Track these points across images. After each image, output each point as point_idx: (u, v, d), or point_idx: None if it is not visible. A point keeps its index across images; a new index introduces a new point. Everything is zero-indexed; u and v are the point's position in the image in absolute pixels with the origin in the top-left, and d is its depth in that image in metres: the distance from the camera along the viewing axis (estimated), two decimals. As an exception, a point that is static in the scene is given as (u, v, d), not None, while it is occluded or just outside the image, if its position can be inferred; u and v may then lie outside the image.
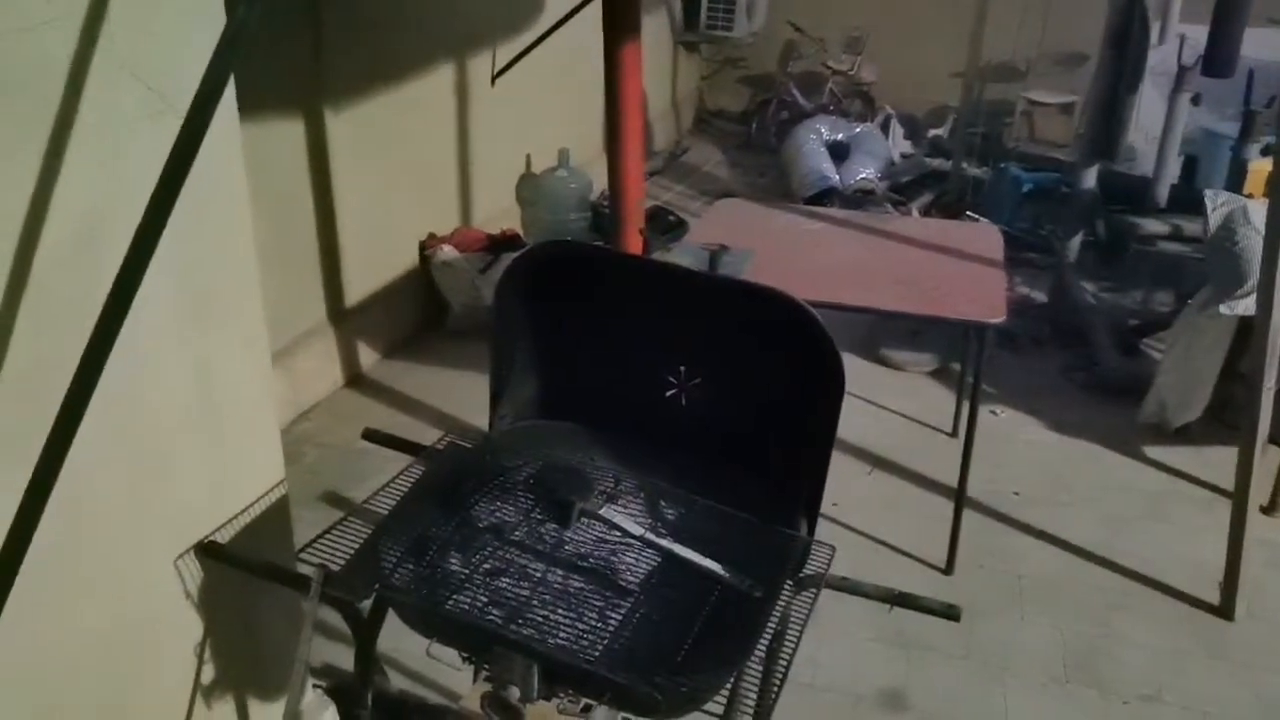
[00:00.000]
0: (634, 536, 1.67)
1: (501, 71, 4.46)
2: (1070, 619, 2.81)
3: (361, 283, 4.03)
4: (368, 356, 4.05)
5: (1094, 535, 3.15)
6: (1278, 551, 3.08)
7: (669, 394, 1.91)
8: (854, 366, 4.21)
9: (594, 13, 5.46)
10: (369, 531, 1.73)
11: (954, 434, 3.72)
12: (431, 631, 1.60)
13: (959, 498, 2.93)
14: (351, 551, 1.68)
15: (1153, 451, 3.64)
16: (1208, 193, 3.36)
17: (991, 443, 3.57)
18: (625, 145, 2.69)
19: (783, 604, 1.62)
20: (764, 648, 1.55)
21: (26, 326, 1.36)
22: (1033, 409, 3.90)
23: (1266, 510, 3.24)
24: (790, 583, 1.67)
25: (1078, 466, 3.56)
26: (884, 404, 3.90)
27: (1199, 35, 4.43)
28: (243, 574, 1.74)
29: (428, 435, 3.55)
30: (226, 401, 1.77)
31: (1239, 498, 2.75)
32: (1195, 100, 4.69)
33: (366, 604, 1.70)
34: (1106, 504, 3.33)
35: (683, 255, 2.91)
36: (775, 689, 1.54)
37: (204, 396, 1.71)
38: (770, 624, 1.58)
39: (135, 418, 1.57)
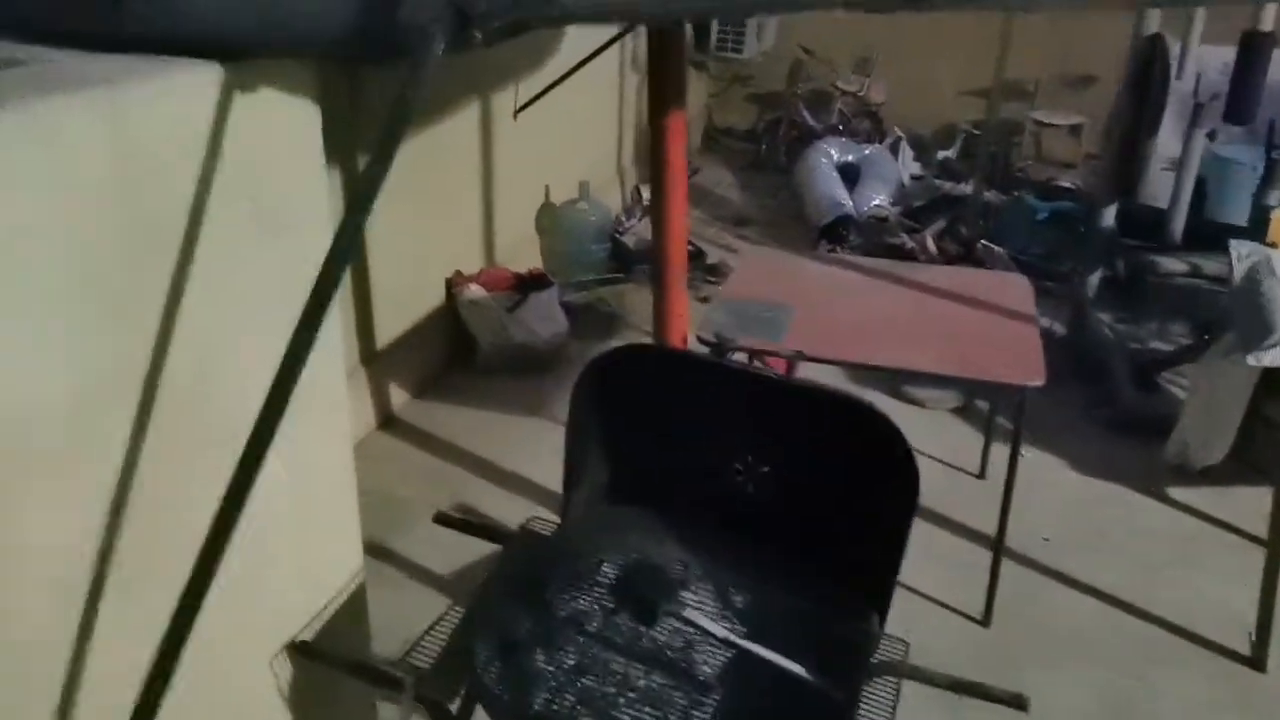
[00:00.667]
0: (717, 638, 1.72)
1: (524, 106, 4.50)
2: (1106, 671, 2.87)
3: (392, 323, 4.06)
4: (399, 397, 4.09)
5: (1126, 582, 3.21)
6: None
7: (737, 483, 1.95)
8: (876, 403, 4.25)
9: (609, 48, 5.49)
10: (454, 628, 1.77)
11: (981, 475, 3.77)
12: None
13: (997, 548, 2.99)
14: (439, 650, 1.73)
15: (1177, 493, 3.70)
16: (1232, 243, 3.42)
17: (1018, 485, 3.62)
18: (671, 213, 2.73)
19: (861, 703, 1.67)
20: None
21: (148, 467, 1.40)
22: (1056, 448, 3.95)
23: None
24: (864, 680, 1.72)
25: (1105, 510, 3.62)
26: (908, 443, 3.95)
27: (1217, 57, 4.44)
28: (325, 673, 1.78)
29: (464, 480, 3.65)
30: (314, 494, 1.81)
31: (1273, 548, 2.81)
32: (1211, 136, 4.75)
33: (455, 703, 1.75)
34: (1136, 550, 3.39)
35: (721, 313, 2.95)
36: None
37: (296, 490, 1.74)
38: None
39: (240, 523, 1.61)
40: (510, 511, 3.36)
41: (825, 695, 1.62)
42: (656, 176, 2.69)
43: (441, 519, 2.02)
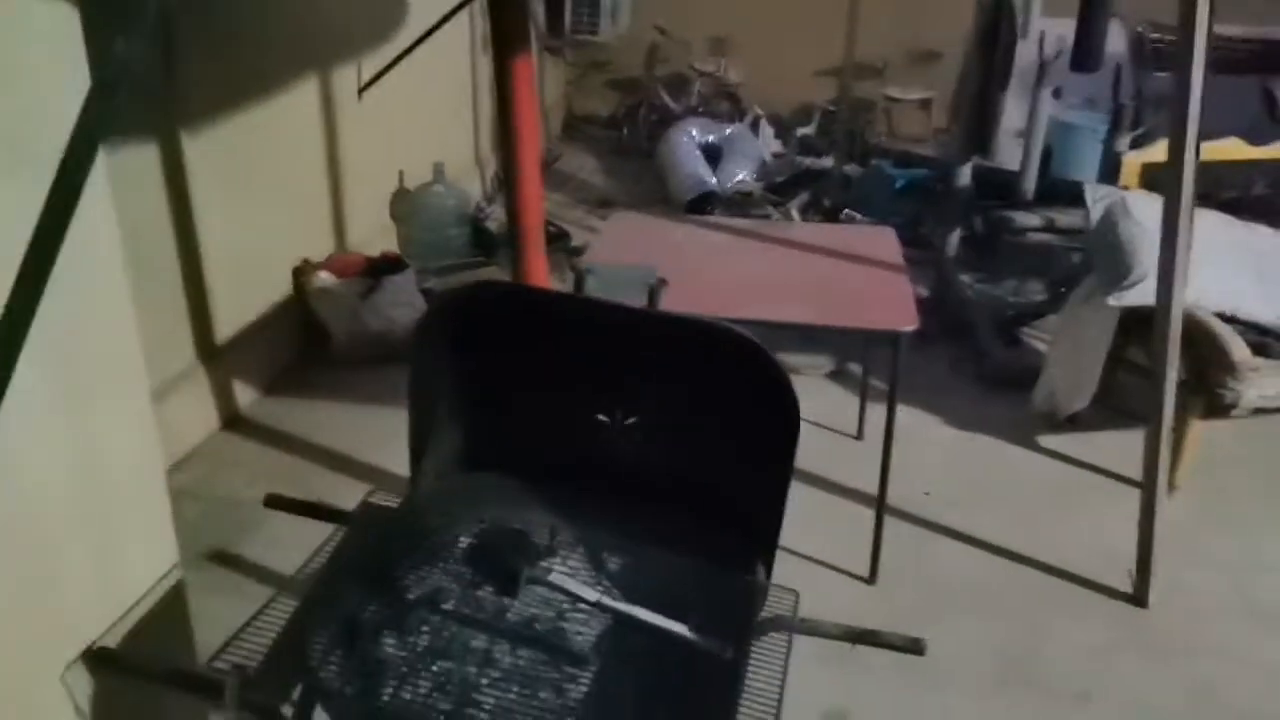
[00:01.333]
0: (588, 603, 1.55)
1: (368, 84, 4.24)
2: (995, 621, 2.83)
3: (233, 316, 3.74)
4: (245, 395, 3.77)
5: (1007, 532, 3.19)
6: (1178, 532, 3.18)
7: (602, 437, 1.80)
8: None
9: (459, 23, 5.27)
10: (286, 620, 1.55)
11: (859, 436, 3.72)
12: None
13: (879, 506, 2.92)
14: (268, 646, 1.51)
15: (1048, 441, 3.72)
16: (1087, 187, 3.46)
17: (895, 443, 3.58)
18: (522, 162, 2.55)
19: (746, 659, 1.53)
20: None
21: None
22: (930, 406, 3.94)
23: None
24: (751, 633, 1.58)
25: (981, 462, 3.61)
26: (787, 410, 3.87)
27: (1057, 30, 4.58)
28: (138, 685, 1.53)
29: (321, 478, 3.36)
30: (111, 484, 1.55)
31: (1148, 487, 2.82)
32: (1057, 94, 4.85)
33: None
34: (1014, 499, 3.39)
35: (587, 277, 2.79)
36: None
37: (87, 481, 1.49)
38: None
39: (12, 514, 1.35)
40: (371, 506, 3.12)
41: (711, 655, 1.46)
42: (505, 125, 2.51)
43: (271, 501, 1.78)
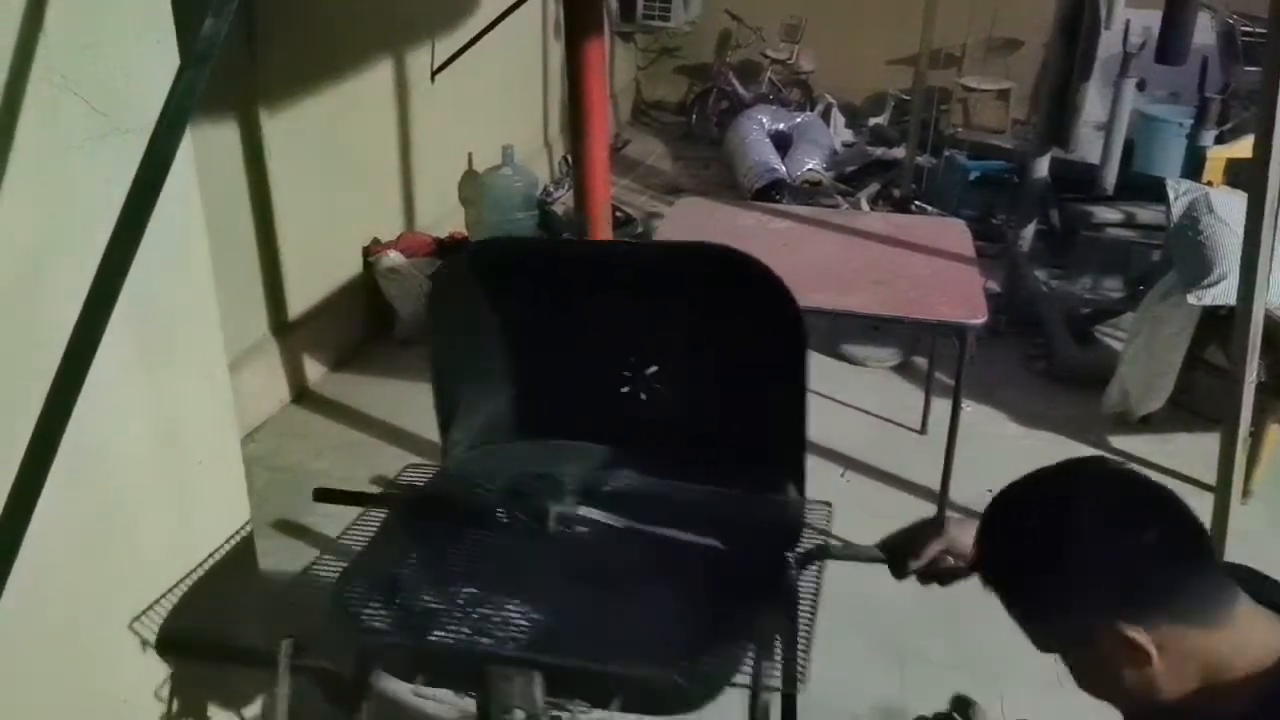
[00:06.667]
0: (619, 527, 1.54)
1: (442, 67, 4.30)
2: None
3: (305, 293, 3.83)
4: (314, 370, 3.86)
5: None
6: (1250, 541, 3.08)
7: (626, 391, 1.79)
8: (815, 364, 4.11)
9: (531, 8, 5.30)
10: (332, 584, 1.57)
11: (923, 431, 3.67)
12: (417, 674, 1.46)
13: (941, 503, 2.89)
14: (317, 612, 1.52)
15: (1119, 441, 3.64)
16: (1169, 181, 3.36)
17: (961, 438, 3.52)
18: (591, 147, 2.56)
19: (792, 571, 1.51)
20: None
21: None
22: (997, 402, 3.87)
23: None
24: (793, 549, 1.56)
25: (1047, 461, 3.52)
26: (849, 402, 3.84)
27: (1143, 20, 4.46)
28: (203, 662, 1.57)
29: (384, 453, 3.42)
30: (189, 444, 1.61)
31: (1221, 492, 2.73)
32: (1140, 86, 4.71)
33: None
34: (1080, 498, 3.31)
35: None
36: (802, 650, 1.42)
37: (167, 439, 1.55)
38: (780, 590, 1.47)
39: (95, 469, 1.41)
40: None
41: (745, 564, 1.46)
42: (575, 109, 2.52)
43: (321, 495, 1.78)
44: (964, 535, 1.32)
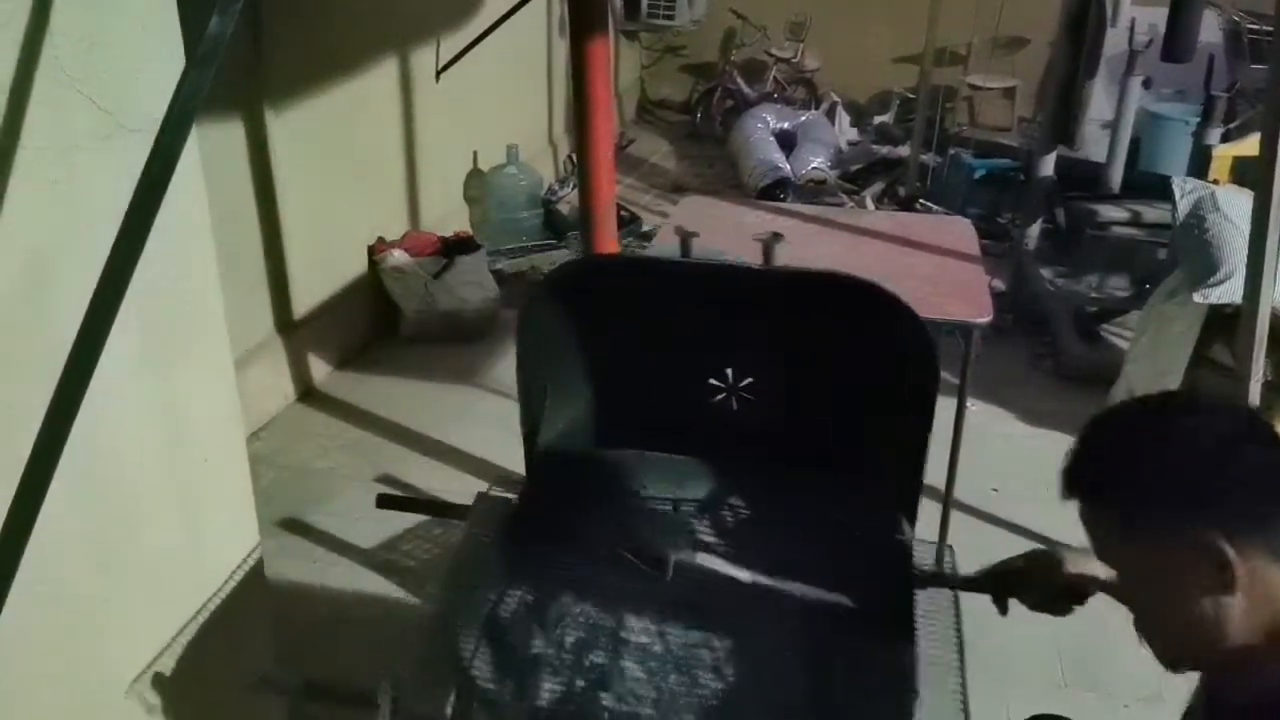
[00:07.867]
0: (744, 582, 1.47)
1: (446, 66, 4.30)
2: (1063, 621, 2.76)
3: (310, 291, 3.83)
4: (319, 369, 3.86)
5: (1078, 532, 3.09)
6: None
7: (718, 403, 1.69)
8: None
9: (536, 7, 5.30)
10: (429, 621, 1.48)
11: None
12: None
13: (946, 501, 2.88)
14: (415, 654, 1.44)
15: (1125, 440, 3.62)
16: (1175, 180, 3.35)
17: (966, 437, 3.52)
18: (596, 146, 2.56)
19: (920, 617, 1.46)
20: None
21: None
22: (1003, 400, 3.87)
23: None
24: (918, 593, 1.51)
25: (1053, 459, 3.44)
26: (854, 401, 3.83)
27: (1149, 18, 4.44)
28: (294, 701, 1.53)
29: (390, 452, 3.42)
30: (195, 444, 1.61)
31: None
32: (1146, 84, 4.70)
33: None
34: (1086, 497, 3.31)
35: (660, 253, 2.80)
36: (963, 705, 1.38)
37: (172, 439, 1.55)
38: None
39: (101, 467, 1.41)
40: (437, 481, 3.17)
41: (875, 618, 1.42)
42: (580, 107, 2.52)
43: (384, 501, 1.76)
44: (1089, 564, 1.31)
